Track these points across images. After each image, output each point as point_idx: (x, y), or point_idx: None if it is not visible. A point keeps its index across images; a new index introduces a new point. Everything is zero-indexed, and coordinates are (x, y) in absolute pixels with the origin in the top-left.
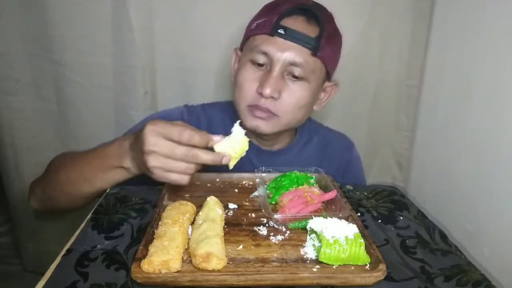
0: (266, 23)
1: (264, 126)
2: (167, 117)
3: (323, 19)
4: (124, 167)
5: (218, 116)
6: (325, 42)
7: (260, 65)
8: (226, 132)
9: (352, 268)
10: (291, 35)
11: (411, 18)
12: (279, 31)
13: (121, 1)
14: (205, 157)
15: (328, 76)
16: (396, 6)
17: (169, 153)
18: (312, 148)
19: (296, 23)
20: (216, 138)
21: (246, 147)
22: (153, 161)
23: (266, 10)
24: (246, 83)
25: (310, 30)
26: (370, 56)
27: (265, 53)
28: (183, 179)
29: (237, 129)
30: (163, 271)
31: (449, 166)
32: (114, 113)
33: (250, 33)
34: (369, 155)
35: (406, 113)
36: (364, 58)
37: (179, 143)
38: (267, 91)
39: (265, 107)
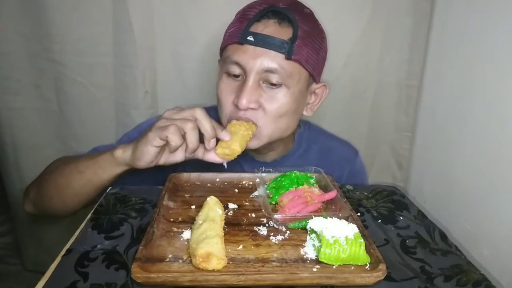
0: (236, 31)
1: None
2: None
3: (297, 19)
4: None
5: None
6: (301, 43)
7: (236, 76)
8: None
9: (352, 268)
10: (262, 41)
11: (411, 18)
12: (248, 38)
13: (121, 1)
14: (206, 125)
15: (313, 78)
16: (396, 6)
17: (175, 113)
18: (311, 158)
19: (267, 27)
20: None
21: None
22: (158, 122)
23: (237, 17)
24: (223, 96)
25: (283, 33)
26: (370, 56)
27: (237, 63)
28: (178, 155)
29: None
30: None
31: (449, 166)
32: (115, 113)
33: (223, 44)
34: (369, 155)
35: (406, 113)
36: (364, 58)
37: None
38: (243, 101)
39: (245, 117)
